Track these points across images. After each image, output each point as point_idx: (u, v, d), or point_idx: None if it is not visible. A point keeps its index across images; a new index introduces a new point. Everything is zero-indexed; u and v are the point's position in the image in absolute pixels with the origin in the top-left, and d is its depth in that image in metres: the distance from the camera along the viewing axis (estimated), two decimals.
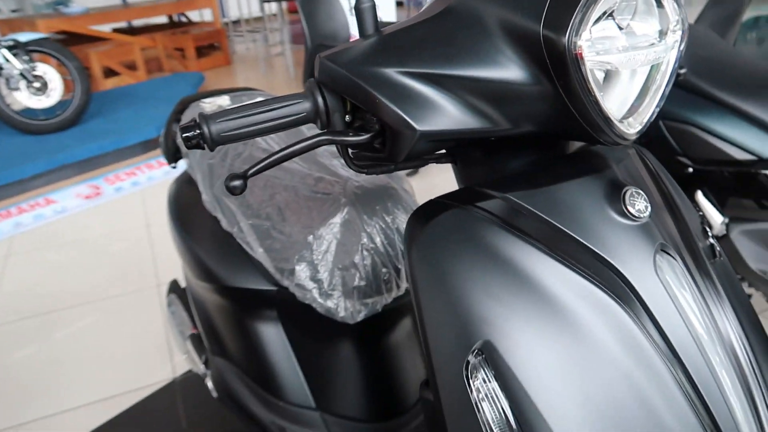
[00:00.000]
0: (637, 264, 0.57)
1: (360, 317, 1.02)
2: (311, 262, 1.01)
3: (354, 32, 4.22)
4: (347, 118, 0.63)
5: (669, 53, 0.57)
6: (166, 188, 3.43)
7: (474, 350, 0.56)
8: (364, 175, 1.07)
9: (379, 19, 0.64)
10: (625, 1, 0.55)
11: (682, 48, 0.58)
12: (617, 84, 0.57)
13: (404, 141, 0.57)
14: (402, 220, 1.05)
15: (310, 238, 1.02)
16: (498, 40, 0.55)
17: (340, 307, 1.01)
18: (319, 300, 1.01)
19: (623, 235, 0.58)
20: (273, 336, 1.18)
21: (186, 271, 1.35)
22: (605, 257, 0.57)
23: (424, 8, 0.62)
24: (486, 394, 0.55)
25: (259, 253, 1.08)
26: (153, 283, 2.44)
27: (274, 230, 1.08)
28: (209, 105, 1.45)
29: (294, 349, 1.18)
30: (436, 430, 0.72)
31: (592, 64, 0.53)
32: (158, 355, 2.02)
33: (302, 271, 1.01)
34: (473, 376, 0.56)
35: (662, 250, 0.59)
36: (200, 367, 1.36)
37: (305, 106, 0.62)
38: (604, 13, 0.53)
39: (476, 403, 0.55)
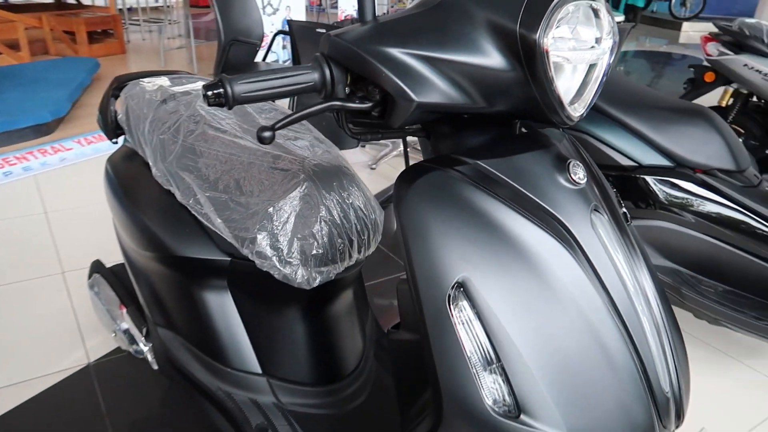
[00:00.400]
0: (578, 220, 0.73)
1: (315, 284, 1.11)
2: (271, 232, 1.09)
3: (266, 30, 4.25)
4: (347, 90, 0.73)
5: (604, 56, 0.74)
6: (63, 176, 3.26)
7: (454, 284, 0.69)
8: (319, 154, 1.17)
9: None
10: (575, 12, 0.70)
11: (613, 52, 0.74)
12: (563, 77, 0.73)
13: (402, 110, 0.69)
14: (356, 197, 1.15)
15: (271, 209, 1.10)
16: (482, 33, 0.68)
17: (298, 274, 1.10)
18: (278, 267, 1.09)
19: (568, 197, 0.74)
20: (221, 305, 1.24)
21: (128, 244, 1.36)
22: (555, 214, 0.72)
23: (416, 2, 0.74)
24: (464, 320, 0.68)
25: (217, 223, 1.14)
26: (57, 270, 2.34)
27: (232, 202, 1.14)
28: (150, 84, 1.47)
29: (242, 317, 1.24)
30: (405, 368, 0.84)
31: (554, 57, 0.67)
32: (69, 340, 1.95)
33: (263, 240, 1.09)
34: (454, 305, 0.68)
35: (595, 210, 0.75)
36: (140, 341, 1.37)
37: (314, 76, 0.71)
38: (561, 19, 0.68)
39: (455, 327, 0.68)
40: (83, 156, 3.55)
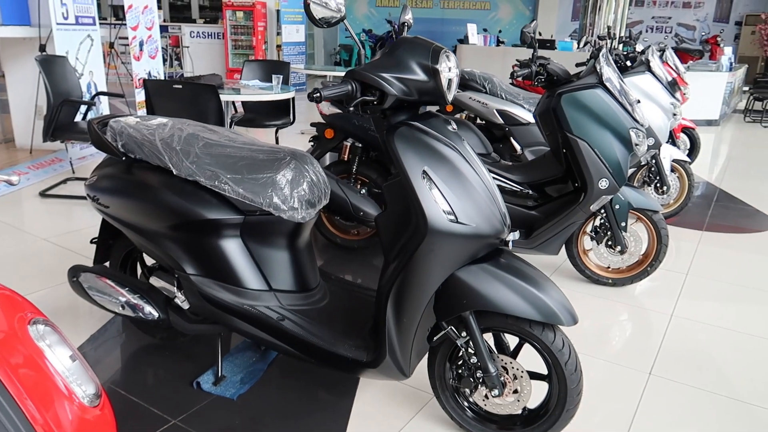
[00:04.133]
0: (458, 142, 1.69)
1: (308, 218, 1.89)
2: (279, 192, 1.84)
3: (83, 91, 4.56)
4: (360, 93, 1.58)
5: (456, 72, 1.71)
6: None
7: (423, 171, 1.58)
8: (288, 146, 1.96)
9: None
10: (446, 55, 1.66)
11: (458, 74, 1.73)
12: (446, 83, 1.68)
13: (390, 99, 1.57)
14: (316, 166, 1.96)
15: (276, 178, 1.84)
16: (416, 66, 1.60)
17: (297, 214, 1.86)
18: (288, 212, 1.84)
19: (453, 134, 1.69)
20: (237, 249, 1.93)
21: (148, 224, 1.91)
22: (450, 141, 1.66)
23: (383, 51, 1.63)
24: (431, 186, 1.58)
25: (240, 192, 1.83)
26: None
27: (245, 179, 1.85)
28: (127, 120, 2.07)
29: (252, 255, 1.94)
30: (389, 235, 1.68)
31: (443, 75, 1.62)
32: None
33: (276, 197, 1.83)
34: (425, 180, 1.57)
35: (462, 139, 1.72)
36: (174, 290, 1.94)
37: (348, 87, 1.55)
38: (443, 59, 1.64)
39: (430, 191, 1.57)
40: None
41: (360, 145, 3.18)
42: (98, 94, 4.37)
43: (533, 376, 1.78)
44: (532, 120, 3.77)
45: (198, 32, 11.09)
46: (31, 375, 1.00)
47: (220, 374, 2.13)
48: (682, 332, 2.66)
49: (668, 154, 4.04)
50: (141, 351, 2.31)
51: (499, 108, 4.01)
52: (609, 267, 3.09)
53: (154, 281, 1.99)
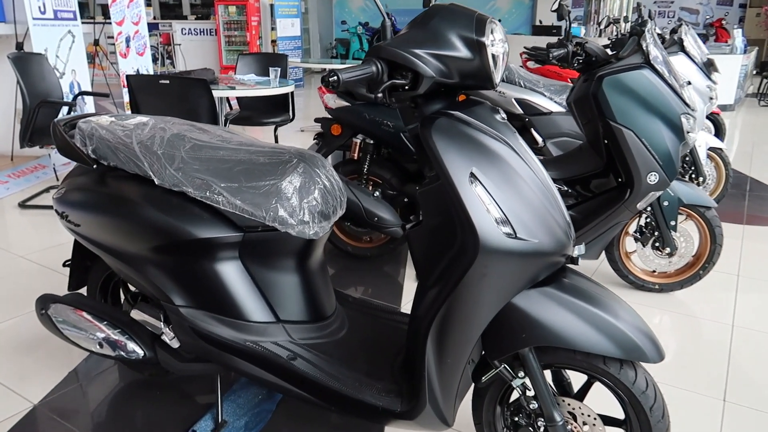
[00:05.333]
0: (509, 135, 1.34)
1: (321, 234, 1.54)
2: (285, 203, 1.49)
3: (65, 92, 4.21)
4: (385, 77, 1.23)
5: (505, 47, 1.36)
6: None
7: (470, 174, 1.23)
8: (293, 147, 1.62)
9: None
10: (493, 26, 1.31)
11: (507, 49, 1.38)
12: (492, 60, 1.33)
13: (426, 82, 1.22)
14: (330, 169, 1.61)
15: (281, 186, 1.50)
16: (454, 39, 1.26)
17: (308, 229, 1.51)
18: (297, 227, 1.49)
19: (502, 125, 1.34)
20: (236, 273, 1.58)
21: (127, 245, 1.57)
22: (499, 134, 1.32)
23: (416, 19, 1.28)
24: (480, 193, 1.23)
25: (237, 204, 1.49)
26: None
27: (243, 188, 1.51)
28: (99, 121, 1.72)
29: (254, 281, 1.59)
30: (422, 252, 1.34)
31: (490, 50, 1.28)
32: None
33: (281, 209, 1.48)
34: (473, 185, 1.23)
35: (513, 131, 1.37)
36: (161, 325, 1.59)
37: (372, 68, 1.20)
38: (491, 31, 1.29)
39: (479, 197, 1.22)
40: None
41: (371, 141, 2.84)
42: (80, 93, 4.01)
43: (607, 421, 1.45)
44: (554, 109, 3.43)
45: (190, 29, 10.72)
46: None
47: (220, 419, 1.79)
48: (750, 346, 2.32)
49: (704, 141, 3.70)
50: (127, 391, 1.97)
51: (517, 97, 3.67)
52: (655, 271, 2.75)
53: (136, 315, 1.64)
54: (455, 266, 1.28)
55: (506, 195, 1.26)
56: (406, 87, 1.25)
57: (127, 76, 3.12)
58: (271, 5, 10.40)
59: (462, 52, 1.26)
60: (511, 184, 1.28)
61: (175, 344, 1.61)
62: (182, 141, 1.60)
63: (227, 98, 4.82)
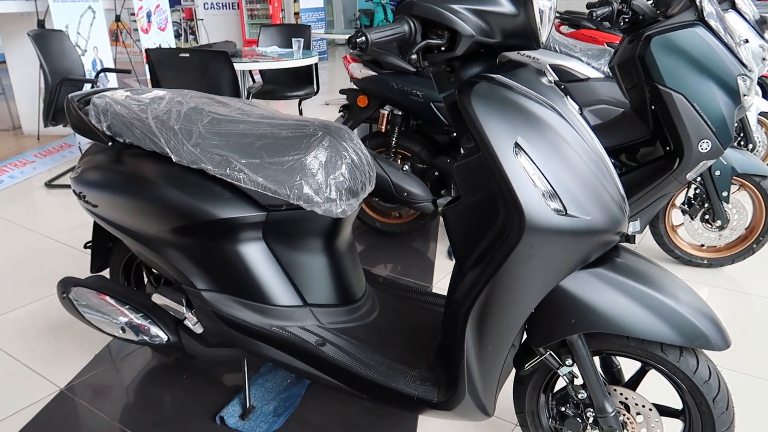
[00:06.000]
0: (557, 100, 1.20)
1: (349, 212, 1.43)
2: (311, 179, 1.38)
3: (87, 69, 4.16)
4: (419, 37, 1.11)
5: (553, 3, 1.22)
6: None
7: (515, 144, 1.11)
8: (318, 118, 1.50)
9: None
10: None
11: (555, 3, 1.23)
12: (538, 16, 1.18)
13: (465, 41, 1.09)
14: (357, 142, 1.49)
15: (306, 161, 1.39)
16: None
17: (335, 207, 1.41)
18: (322, 204, 1.39)
19: (549, 89, 1.21)
20: (260, 255, 1.49)
21: (147, 227, 1.49)
22: (546, 99, 1.18)
23: None
24: (525, 164, 1.10)
25: (259, 181, 1.39)
26: None
27: (266, 164, 1.40)
28: (114, 96, 1.63)
29: (279, 262, 1.50)
30: (460, 231, 1.22)
31: (537, 4, 1.14)
32: (21, 382, 1.90)
33: (306, 186, 1.38)
34: (517, 156, 1.10)
35: (561, 96, 1.23)
36: (183, 310, 1.51)
37: (404, 28, 1.08)
38: None
39: (524, 168, 1.10)
40: None
41: (400, 113, 2.70)
42: (102, 70, 3.95)
43: (663, 411, 1.33)
44: (592, 75, 3.24)
45: (212, 3, 10.60)
46: None
47: (248, 404, 1.72)
48: None
49: (754, 105, 3.46)
50: (154, 375, 1.92)
51: (552, 63, 3.47)
52: (704, 245, 2.58)
53: (158, 299, 1.56)
54: (498, 247, 1.16)
55: (555, 167, 1.13)
56: (442, 48, 1.12)
57: (147, 50, 3.04)
58: None
59: (505, 6, 1.12)
60: (561, 154, 1.14)
61: (198, 329, 1.54)
62: (200, 115, 1.50)
63: (250, 71, 4.71)
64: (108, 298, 1.67)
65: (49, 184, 3.83)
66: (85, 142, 4.46)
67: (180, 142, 1.44)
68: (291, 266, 1.51)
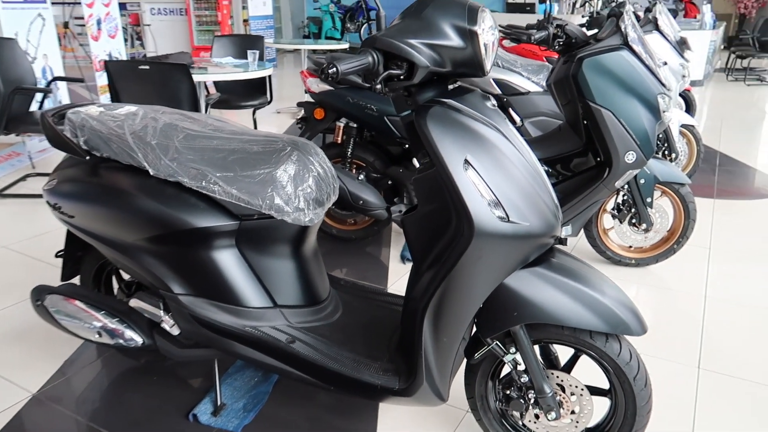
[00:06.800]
0: (499, 121, 1.38)
1: (316, 221, 1.58)
2: (281, 190, 1.52)
3: (37, 77, 4.12)
4: (381, 68, 1.26)
5: (495, 37, 1.40)
6: None
7: (464, 161, 1.28)
8: (285, 135, 1.64)
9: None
10: (485, 15, 1.35)
11: (497, 37, 1.42)
12: (483, 49, 1.37)
13: (421, 72, 1.25)
14: (322, 155, 1.64)
15: (276, 175, 1.53)
16: (447, 28, 1.29)
17: (303, 216, 1.55)
18: (293, 214, 1.53)
19: (497, 116, 1.39)
20: (233, 261, 1.61)
21: (124, 236, 1.59)
22: (489, 120, 1.36)
23: (409, 8, 1.31)
24: (474, 179, 1.28)
25: (233, 193, 1.51)
26: None
27: (239, 177, 1.53)
28: (89, 111, 1.72)
29: (251, 267, 1.63)
30: (417, 238, 1.39)
31: (482, 39, 1.32)
32: None
33: (277, 197, 1.51)
34: (466, 171, 1.28)
35: (503, 118, 1.42)
36: (160, 314, 1.62)
37: (368, 59, 1.23)
38: (482, 20, 1.32)
39: (473, 182, 1.27)
40: None
41: (355, 125, 2.85)
42: (55, 79, 3.93)
43: (593, 391, 1.53)
44: (532, 89, 3.48)
45: (159, 9, 10.47)
46: None
47: (219, 402, 1.84)
48: (721, 316, 2.44)
49: (676, 119, 3.80)
50: (124, 377, 2.00)
51: (495, 77, 3.71)
52: (631, 246, 2.85)
53: (135, 304, 1.66)
54: (451, 250, 1.33)
55: (498, 180, 1.31)
56: (402, 77, 1.28)
57: (106, 63, 3.08)
58: None
59: (455, 41, 1.30)
60: (503, 169, 1.33)
61: (175, 331, 1.64)
62: (175, 131, 1.61)
63: (204, 82, 4.76)
64: (83, 305, 1.75)
65: (0, 194, 3.78)
66: (35, 151, 4.41)
67: (157, 156, 1.55)
68: (262, 271, 1.64)
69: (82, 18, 5.41)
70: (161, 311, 1.63)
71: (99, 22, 5.25)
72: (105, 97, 5.28)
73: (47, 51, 4.54)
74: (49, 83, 3.95)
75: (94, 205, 1.62)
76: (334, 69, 1.18)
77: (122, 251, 1.63)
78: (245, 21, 10.43)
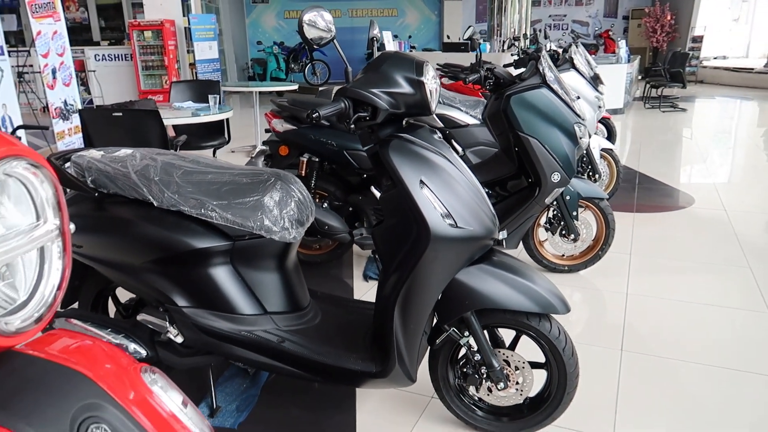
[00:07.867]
0: (445, 150, 1.75)
1: (298, 238, 1.89)
2: (269, 214, 1.83)
3: None
4: (351, 111, 1.61)
5: (437, 83, 1.77)
6: None
7: (420, 181, 1.63)
8: (268, 169, 1.96)
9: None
10: (427, 67, 1.72)
11: (439, 84, 1.79)
12: (429, 94, 1.74)
13: (382, 113, 1.61)
14: (302, 186, 1.96)
15: (264, 201, 1.83)
16: (402, 80, 1.65)
17: (288, 234, 1.86)
18: (279, 233, 1.83)
19: (443, 145, 1.75)
20: (229, 276, 1.90)
21: (130, 260, 1.84)
22: (437, 149, 1.73)
23: (366, 67, 1.67)
24: (429, 195, 1.63)
25: (228, 218, 1.81)
26: None
27: (232, 204, 1.83)
28: (92, 154, 1.99)
29: (244, 280, 1.91)
30: (385, 245, 1.72)
31: (428, 86, 1.68)
32: None
33: (267, 220, 1.82)
34: (422, 189, 1.63)
35: (448, 147, 1.78)
36: (167, 326, 1.87)
37: (341, 105, 1.57)
38: (425, 72, 1.69)
39: (428, 198, 1.62)
40: None
41: (317, 159, 3.18)
42: (19, 127, 4.09)
43: (533, 365, 1.88)
44: (470, 122, 3.90)
45: (103, 55, 10.60)
46: (155, 417, 1.00)
47: (215, 405, 2.08)
48: (641, 308, 2.86)
49: (597, 144, 4.32)
50: None
51: (439, 113, 4.12)
52: (563, 255, 3.27)
53: (143, 318, 1.91)
54: (413, 253, 1.67)
55: (447, 195, 1.67)
56: (367, 118, 1.63)
57: (80, 111, 3.31)
58: (187, 28, 10.50)
59: (407, 89, 1.66)
60: (451, 187, 1.69)
61: (179, 340, 1.90)
62: (174, 168, 1.90)
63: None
64: (89, 326, 1.98)
65: None
66: None
67: (161, 190, 1.83)
68: (253, 283, 1.93)
69: (31, 66, 5.55)
70: (167, 323, 1.89)
71: (54, 72, 5.43)
72: (62, 143, 5.44)
73: (6, 101, 4.69)
74: (13, 131, 4.11)
75: (103, 234, 1.88)
76: (317, 114, 1.52)
77: (129, 273, 1.88)
78: (191, 65, 10.67)
